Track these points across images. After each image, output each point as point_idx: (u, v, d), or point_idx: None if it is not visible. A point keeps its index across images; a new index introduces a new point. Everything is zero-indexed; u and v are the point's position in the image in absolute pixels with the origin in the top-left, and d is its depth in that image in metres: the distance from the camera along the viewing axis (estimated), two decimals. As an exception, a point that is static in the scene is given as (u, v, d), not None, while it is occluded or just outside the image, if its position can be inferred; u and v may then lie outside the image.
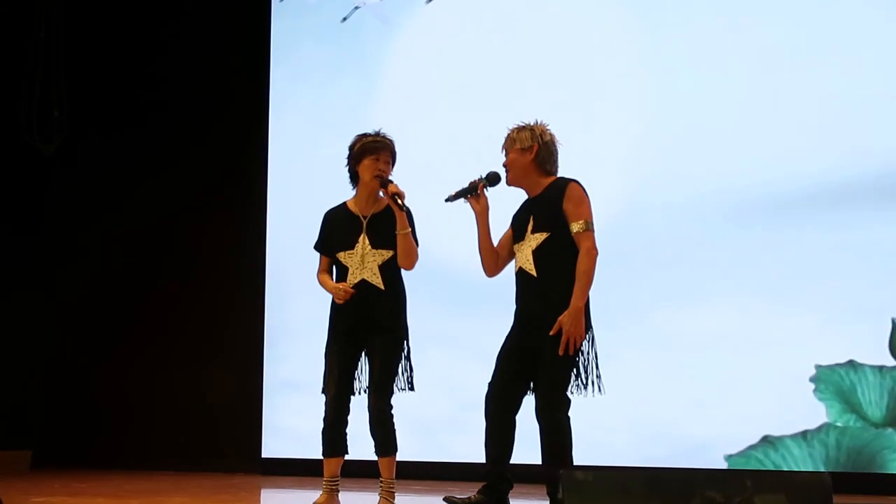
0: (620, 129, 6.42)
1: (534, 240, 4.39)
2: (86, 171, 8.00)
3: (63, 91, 7.58)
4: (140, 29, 8.03)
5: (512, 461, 4.41)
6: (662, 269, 6.24)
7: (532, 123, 4.52)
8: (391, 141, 4.61)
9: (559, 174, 4.51)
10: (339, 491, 4.57)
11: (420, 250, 4.54)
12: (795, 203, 5.99)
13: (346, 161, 4.65)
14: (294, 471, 6.79)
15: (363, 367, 4.59)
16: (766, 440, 5.92)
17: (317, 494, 4.55)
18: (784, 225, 6.01)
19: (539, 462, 4.28)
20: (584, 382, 4.32)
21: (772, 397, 5.90)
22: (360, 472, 5.10)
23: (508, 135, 4.54)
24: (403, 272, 4.59)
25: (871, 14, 5.99)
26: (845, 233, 5.87)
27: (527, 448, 4.35)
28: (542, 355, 4.27)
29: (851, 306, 5.80)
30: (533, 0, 6.82)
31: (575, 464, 4.25)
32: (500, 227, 4.59)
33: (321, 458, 4.57)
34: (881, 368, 5.77)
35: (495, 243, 4.57)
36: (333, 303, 4.58)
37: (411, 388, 4.58)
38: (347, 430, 4.54)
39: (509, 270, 4.54)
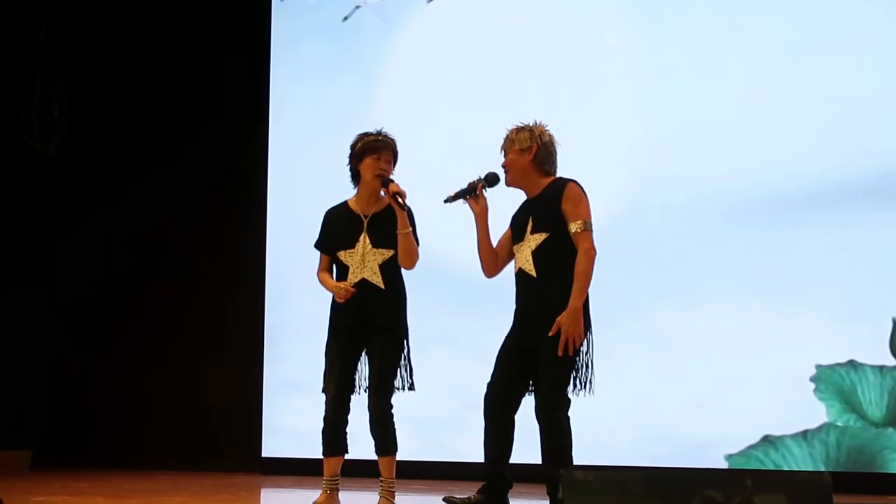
0: (620, 129, 6.42)
1: (533, 240, 4.39)
2: (86, 171, 8.00)
3: (63, 91, 7.58)
4: (140, 29, 8.02)
5: (512, 461, 4.41)
6: (662, 269, 6.24)
7: (531, 124, 4.52)
8: (393, 140, 4.61)
9: (558, 174, 4.51)
10: (339, 490, 4.57)
11: (420, 250, 4.54)
12: (795, 203, 5.99)
13: (347, 160, 4.64)
14: (294, 470, 6.78)
15: (363, 366, 4.59)
16: (767, 440, 5.92)
17: (317, 494, 4.55)
18: (784, 225, 6.01)
19: (539, 462, 4.28)
20: (584, 382, 4.32)
21: (772, 397, 5.90)
22: (360, 472, 5.09)
23: (507, 135, 4.54)
24: (404, 272, 4.59)
25: (871, 14, 5.99)
26: (845, 233, 5.87)
27: (527, 448, 4.35)
28: (541, 355, 4.27)
29: (851, 306, 5.80)
30: (533, 0, 6.82)
31: (575, 464, 4.25)
32: (499, 227, 4.59)
33: (321, 457, 4.57)
34: (881, 368, 5.77)
35: (494, 244, 4.57)
36: (334, 302, 4.58)
37: (411, 388, 4.58)
38: (347, 430, 4.54)
39: (509, 270, 4.54)
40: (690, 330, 6.10)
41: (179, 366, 7.57)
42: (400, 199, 4.45)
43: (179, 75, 7.87)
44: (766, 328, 5.95)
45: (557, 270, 4.30)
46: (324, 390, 4.56)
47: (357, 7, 7.24)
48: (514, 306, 4.48)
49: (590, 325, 4.32)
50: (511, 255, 4.53)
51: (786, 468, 5.84)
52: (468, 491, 4.47)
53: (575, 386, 4.31)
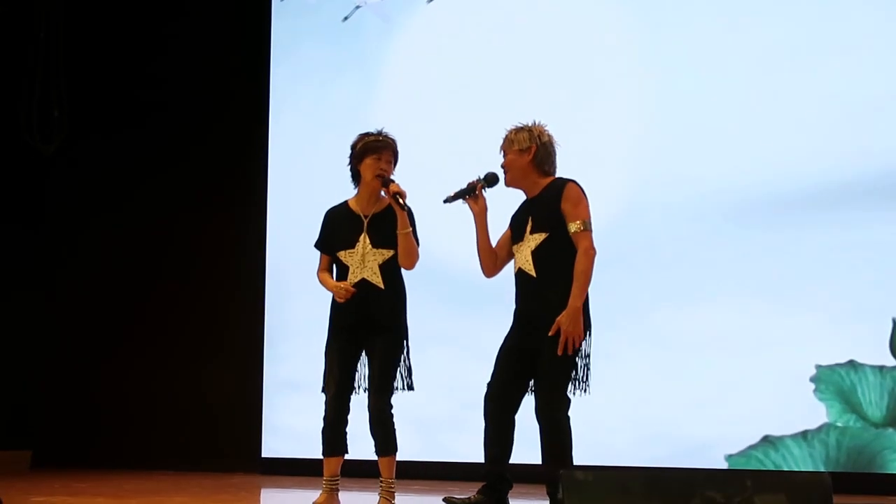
0: (620, 129, 6.42)
1: (533, 240, 4.39)
2: (86, 171, 8.00)
3: (63, 91, 7.58)
4: (140, 29, 8.02)
5: (512, 461, 4.41)
6: (662, 269, 6.24)
7: (530, 124, 4.52)
8: (393, 140, 4.61)
9: (558, 174, 4.51)
10: (339, 490, 4.57)
11: (421, 250, 4.54)
12: (795, 203, 5.99)
13: (347, 160, 4.65)
14: (294, 470, 6.79)
15: (363, 366, 4.59)
16: (767, 440, 5.92)
17: (317, 494, 4.54)
18: (784, 225, 6.01)
19: (539, 462, 4.28)
20: (581, 382, 4.31)
21: (772, 397, 5.90)
22: (360, 472, 5.10)
23: (506, 136, 4.54)
24: (404, 272, 4.59)
25: (871, 14, 5.99)
26: (845, 233, 5.87)
27: (527, 448, 4.35)
28: (541, 355, 4.27)
29: (851, 306, 5.80)
30: (533, 0, 6.82)
31: (575, 464, 4.25)
32: (498, 227, 4.59)
33: (321, 457, 4.57)
34: (881, 368, 5.77)
35: (494, 244, 4.58)
36: (334, 302, 4.58)
37: (410, 388, 4.58)
38: (347, 430, 4.54)
39: (509, 270, 4.54)
40: (690, 330, 6.10)
41: (179, 366, 7.57)
42: (400, 200, 4.45)
43: (179, 75, 7.87)
44: (766, 328, 5.95)
45: (557, 270, 4.30)
46: (323, 390, 4.56)
47: (357, 7, 7.24)
48: (514, 306, 4.48)
49: (589, 325, 4.32)
50: (510, 255, 4.53)
51: (786, 468, 5.84)
52: (468, 491, 4.47)
53: (577, 386, 4.31)
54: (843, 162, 5.89)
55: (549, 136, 4.51)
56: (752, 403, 5.92)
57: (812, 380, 5.88)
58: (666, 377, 6.12)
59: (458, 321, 6.55)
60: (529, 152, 4.46)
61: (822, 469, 5.71)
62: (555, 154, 4.51)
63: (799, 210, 5.98)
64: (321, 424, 4.53)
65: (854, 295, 5.80)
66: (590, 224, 4.35)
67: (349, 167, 4.64)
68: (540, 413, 4.27)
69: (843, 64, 5.96)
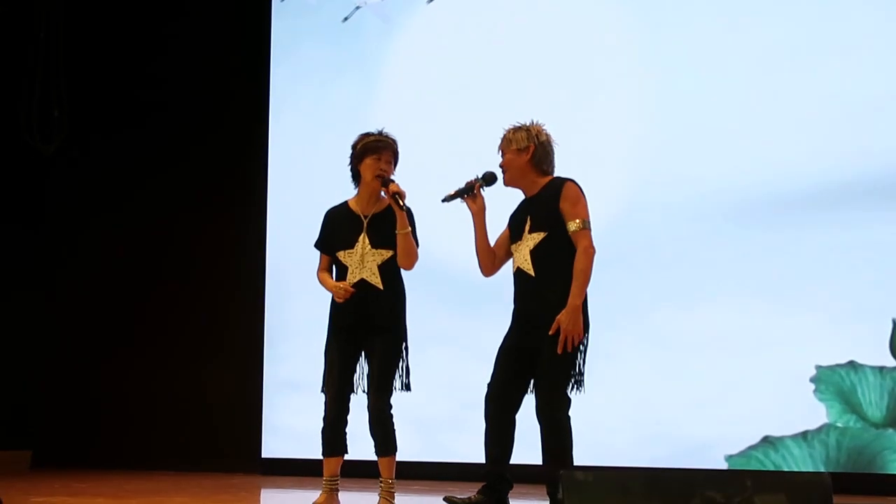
0: (620, 129, 6.42)
1: (531, 239, 4.39)
2: (86, 171, 8.00)
3: (63, 91, 7.57)
4: (140, 29, 8.03)
5: (512, 461, 4.40)
6: (662, 269, 6.24)
7: (528, 124, 4.52)
8: (394, 141, 4.61)
9: (556, 174, 4.51)
10: (338, 490, 4.57)
11: (420, 250, 4.54)
12: (795, 203, 5.99)
13: (348, 160, 4.65)
14: (294, 471, 6.79)
15: (363, 366, 4.58)
16: (767, 440, 5.92)
17: (317, 494, 4.54)
18: (784, 225, 6.01)
19: (539, 462, 4.28)
20: (577, 381, 4.31)
21: (772, 397, 5.90)
22: (360, 472, 5.09)
23: (504, 135, 4.54)
24: (404, 272, 4.59)
25: (871, 14, 5.99)
26: (845, 233, 5.87)
27: (527, 448, 4.35)
28: (540, 355, 4.27)
29: (851, 306, 5.80)
30: (533, 0, 6.82)
31: (575, 464, 4.25)
32: (497, 227, 4.59)
33: (321, 457, 4.57)
34: (881, 369, 5.77)
35: (492, 243, 4.58)
36: (333, 301, 4.58)
37: (407, 389, 4.57)
38: (347, 430, 4.54)
39: (508, 269, 4.54)
40: (690, 330, 6.10)
41: (179, 366, 7.57)
42: (399, 200, 4.45)
43: (179, 75, 7.87)
44: (766, 329, 5.95)
45: (556, 269, 4.30)
46: (323, 390, 4.56)
47: (357, 7, 7.24)
48: (513, 306, 4.48)
49: (588, 325, 4.32)
50: (508, 255, 4.53)
51: (786, 469, 5.84)
52: (468, 491, 4.47)
53: (577, 385, 4.31)
54: (843, 162, 5.89)
55: (546, 135, 4.51)
56: (752, 403, 5.92)
57: (812, 380, 5.88)
58: (666, 377, 6.12)
59: (457, 321, 6.55)
60: (527, 152, 4.46)
61: (822, 469, 5.70)
62: (553, 153, 4.51)
63: (799, 210, 5.98)
64: (321, 424, 4.53)
65: (854, 295, 5.80)
66: (589, 223, 4.35)
67: (349, 167, 4.64)
68: (540, 413, 4.27)
69: (843, 64, 5.96)
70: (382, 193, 4.56)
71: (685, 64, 6.37)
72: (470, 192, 4.56)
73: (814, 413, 5.86)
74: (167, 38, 7.97)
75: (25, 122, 7.49)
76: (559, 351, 4.21)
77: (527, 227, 4.41)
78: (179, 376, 7.55)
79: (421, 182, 4.78)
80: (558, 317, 4.22)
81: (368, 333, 4.52)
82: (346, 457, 4.58)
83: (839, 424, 5.82)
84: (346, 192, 4.71)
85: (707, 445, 5.98)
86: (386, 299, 4.51)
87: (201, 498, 5.52)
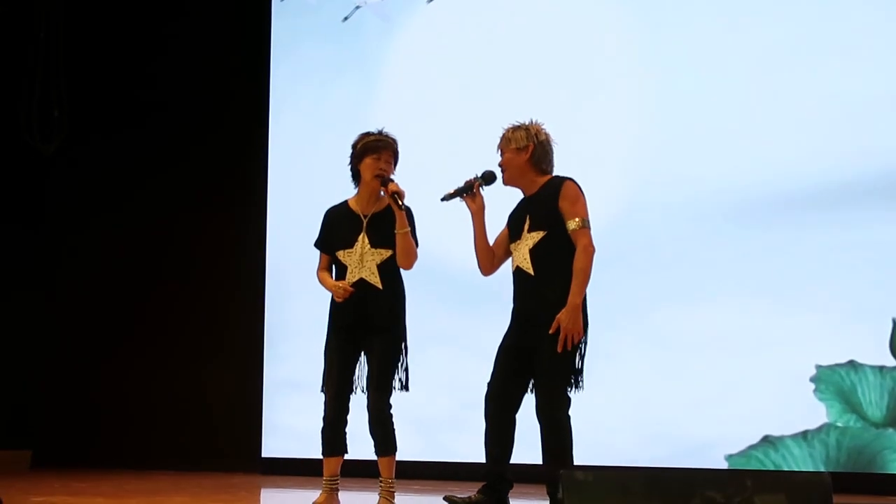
0: (620, 129, 6.42)
1: (530, 238, 4.39)
2: (86, 171, 8.01)
3: (63, 91, 7.58)
4: (140, 29, 8.03)
5: (512, 461, 4.40)
6: (662, 269, 6.24)
7: (527, 123, 4.52)
8: (394, 140, 4.61)
9: (555, 173, 4.51)
10: (338, 490, 4.56)
11: (420, 250, 4.54)
12: (795, 203, 5.99)
13: (348, 159, 4.65)
14: (294, 471, 6.79)
15: (362, 365, 4.58)
16: (767, 440, 5.92)
17: (317, 494, 4.54)
18: (784, 225, 6.01)
19: (539, 462, 4.28)
20: (576, 380, 4.31)
21: (772, 397, 5.90)
22: (360, 472, 5.09)
23: (503, 134, 4.54)
24: (403, 272, 4.59)
25: (871, 14, 5.99)
26: (845, 233, 5.86)
27: (527, 448, 4.35)
28: (539, 353, 4.27)
29: (851, 306, 5.80)
30: (533, 0, 6.82)
31: (575, 464, 4.25)
32: (496, 226, 4.59)
33: (321, 457, 4.57)
34: (881, 369, 5.76)
35: (491, 242, 4.58)
36: (333, 301, 4.58)
37: (405, 389, 4.57)
38: (347, 430, 4.54)
39: (507, 268, 4.54)
40: (691, 330, 6.10)
41: (179, 366, 7.57)
42: (399, 199, 4.45)
43: (179, 75, 7.87)
44: (766, 328, 5.95)
45: (555, 268, 4.30)
46: (323, 390, 4.56)
47: (357, 7, 7.24)
48: (512, 305, 4.48)
49: (587, 323, 4.32)
50: (507, 254, 4.53)
51: (786, 468, 5.84)
52: (468, 491, 4.47)
53: (576, 384, 4.30)
54: (843, 162, 5.89)
55: (545, 134, 4.51)
56: (752, 403, 5.92)
57: (812, 380, 5.88)
58: (666, 377, 6.12)
59: (457, 320, 6.55)
60: (527, 151, 4.46)
61: (822, 469, 5.70)
62: (552, 152, 4.51)
63: (799, 210, 5.98)
64: (321, 424, 4.53)
65: (854, 295, 5.80)
66: (588, 221, 4.35)
67: (349, 167, 4.64)
68: (540, 412, 4.27)
69: (843, 64, 5.96)
70: (382, 193, 4.56)
71: (685, 64, 6.37)
72: (469, 192, 4.56)
73: (814, 413, 5.86)
74: (167, 38, 7.97)
75: (25, 121, 7.49)
76: (559, 349, 4.21)
77: (526, 226, 4.41)
78: (179, 376, 7.55)
79: (421, 182, 4.78)
80: (558, 315, 4.22)
81: (368, 333, 4.52)
82: (346, 456, 4.58)
83: (839, 424, 5.82)
84: (346, 191, 4.70)
85: (707, 445, 5.98)
86: (385, 299, 4.51)
87: (201, 498, 5.52)
